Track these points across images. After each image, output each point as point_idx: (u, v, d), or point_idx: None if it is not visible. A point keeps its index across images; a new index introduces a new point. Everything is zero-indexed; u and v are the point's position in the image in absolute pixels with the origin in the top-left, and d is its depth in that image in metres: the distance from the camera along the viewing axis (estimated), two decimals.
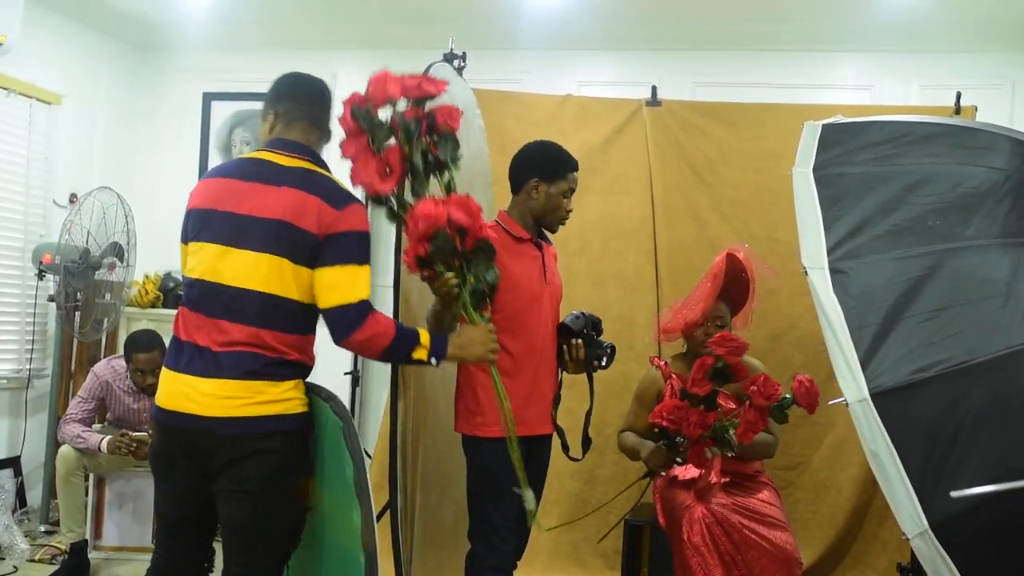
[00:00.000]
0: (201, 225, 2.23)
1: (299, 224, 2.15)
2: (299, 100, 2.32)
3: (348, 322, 2.15)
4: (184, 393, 2.15)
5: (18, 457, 4.65)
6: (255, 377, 2.13)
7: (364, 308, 2.16)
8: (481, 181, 3.71)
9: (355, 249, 2.17)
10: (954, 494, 1.99)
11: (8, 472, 4.58)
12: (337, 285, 2.16)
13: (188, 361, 2.16)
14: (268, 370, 2.15)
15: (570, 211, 2.77)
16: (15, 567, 3.94)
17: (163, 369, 2.24)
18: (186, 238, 2.29)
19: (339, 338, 2.18)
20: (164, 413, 2.19)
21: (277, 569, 2.28)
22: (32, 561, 4.02)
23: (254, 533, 2.20)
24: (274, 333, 2.16)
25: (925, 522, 2.05)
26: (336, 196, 2.20)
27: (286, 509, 2.24)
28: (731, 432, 2.89)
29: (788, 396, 2.88)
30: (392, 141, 2.23)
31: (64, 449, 4.03)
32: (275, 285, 2.16)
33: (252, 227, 2.17)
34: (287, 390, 2.18)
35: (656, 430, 3.02)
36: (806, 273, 2.38)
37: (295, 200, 2.16)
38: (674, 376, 3.28)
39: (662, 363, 3.34)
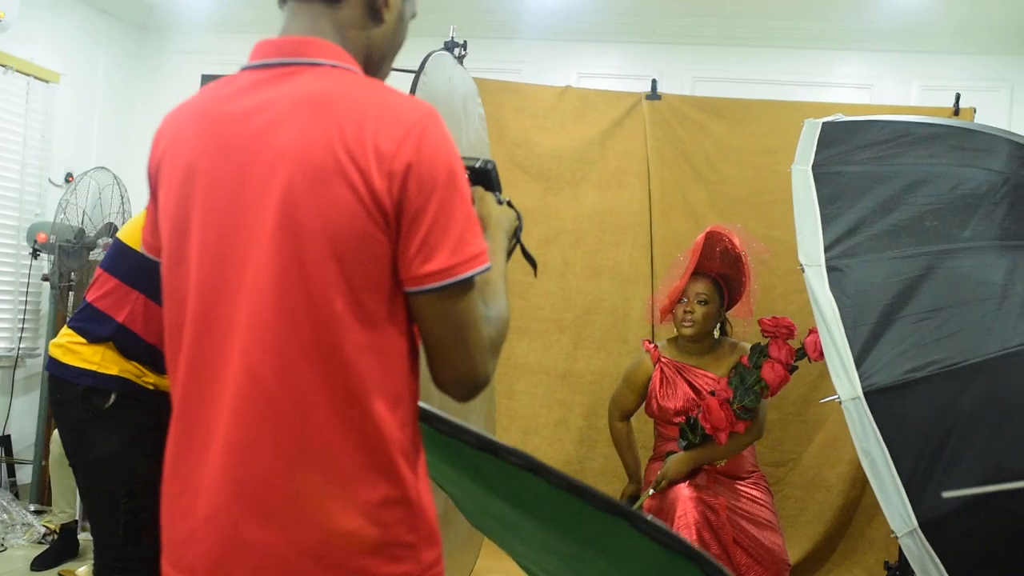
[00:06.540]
0: None
1: None
2: None
3: None
4: None
5: (8, 436, 4.64)
6: None
7: None
8: None
9: None
10: (946, 494, 1.99)
11: None
12: None
13: None
14: None
15: None
16: (3, 545, 3.94)
17: None
18: None
19: None
20: None
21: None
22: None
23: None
24: None
25: (915, 521, 2.05)
26: None
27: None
28: (761, 385, 3.05)
29: (799, 349, 3.07)
30: None
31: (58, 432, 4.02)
32: None
33: None
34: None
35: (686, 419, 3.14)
36: (803, 270, 2.38)
37: None
38: (664, 360, 3.27)
39: (652, 346, 3.33)
